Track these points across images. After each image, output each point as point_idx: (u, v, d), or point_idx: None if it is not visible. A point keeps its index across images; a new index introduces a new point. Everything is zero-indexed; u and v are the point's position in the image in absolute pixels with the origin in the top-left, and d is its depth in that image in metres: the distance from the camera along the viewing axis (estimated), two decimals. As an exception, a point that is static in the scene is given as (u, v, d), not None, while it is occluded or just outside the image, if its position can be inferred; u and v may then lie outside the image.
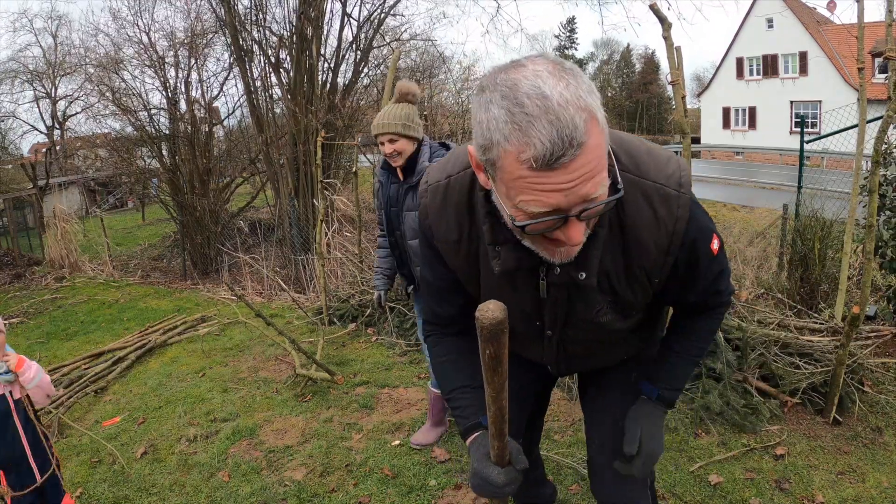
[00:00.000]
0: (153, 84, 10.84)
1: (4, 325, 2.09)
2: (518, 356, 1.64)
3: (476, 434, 1.25)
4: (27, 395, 2.12)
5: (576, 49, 50.15)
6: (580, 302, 1.18)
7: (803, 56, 23.51)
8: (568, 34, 49.70)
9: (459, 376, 1.33)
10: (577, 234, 0.93)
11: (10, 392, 2.06)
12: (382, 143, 2.48)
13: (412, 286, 2.79)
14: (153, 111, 10.78)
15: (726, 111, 27.60)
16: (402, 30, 11.61)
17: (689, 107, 8.05)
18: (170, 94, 10.59)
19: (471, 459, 1.22)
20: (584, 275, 1.07)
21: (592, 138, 0.83)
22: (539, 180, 0.84)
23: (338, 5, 9.96)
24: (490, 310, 0.85)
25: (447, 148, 2.60)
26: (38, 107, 21.92)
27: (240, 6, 9.57)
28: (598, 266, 1.09)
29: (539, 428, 1.82)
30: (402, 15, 12.67)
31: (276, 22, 9.78)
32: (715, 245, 1.17)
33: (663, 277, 1.16)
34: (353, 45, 10.15)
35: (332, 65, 9.98)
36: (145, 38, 10.51)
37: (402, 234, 2.62)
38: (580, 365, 1.47)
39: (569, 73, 0.85)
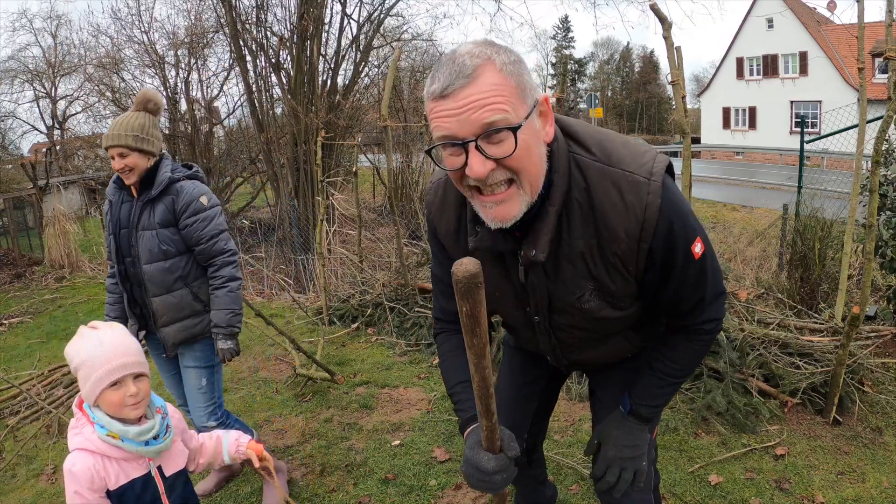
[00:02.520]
0: (153, 84, 10.86)
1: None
2: (524, 352, 1.65)
3: (473, 426, 1.27)
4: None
5: (573, 48, 50.20)
6: (560, 285, 1.21)
7: (803, 56, 23.51)
8: (564, 33, 49.74)
9: (461, 371, 1.35)
10: (476, 164, 1.00)
11: (160, 467, 1.46)
12: (112, 157, 2.22)
13: (145, 331, 2.41)
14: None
15: (726, 111, 27.60)
16: (403, 30, 11.65)
17: (689, 107, 8.05)
18: (170, 94, 10.60)
19: (465, 449, 1.25)
20: (534, 251, 1.12)
21: (484, 76, 0.97)
22: (437, 107, 1.00)
23: (338, 6, 9.99)
24: (464, 264, 0.87)
25: (190, 168, 2.39)
26: (38, 107, 21.84)
27: (240, 6, 9.60)
28: (574, 250, 1.15)
29: (544, 427, 1.82)
30: (402, 16, 12.70)
31: (277, 21, 9.82)
32: (697, 248, 1.15)
33: (640, 268, 1.16)
34: (354, 45, 10.17)
35: (332, 65, 10.00)
36: (145, 38, 10.54)
37: (134, 258, 2.29)
38: (578, 356, 1.45)
39: (490, 45, 1.00)
